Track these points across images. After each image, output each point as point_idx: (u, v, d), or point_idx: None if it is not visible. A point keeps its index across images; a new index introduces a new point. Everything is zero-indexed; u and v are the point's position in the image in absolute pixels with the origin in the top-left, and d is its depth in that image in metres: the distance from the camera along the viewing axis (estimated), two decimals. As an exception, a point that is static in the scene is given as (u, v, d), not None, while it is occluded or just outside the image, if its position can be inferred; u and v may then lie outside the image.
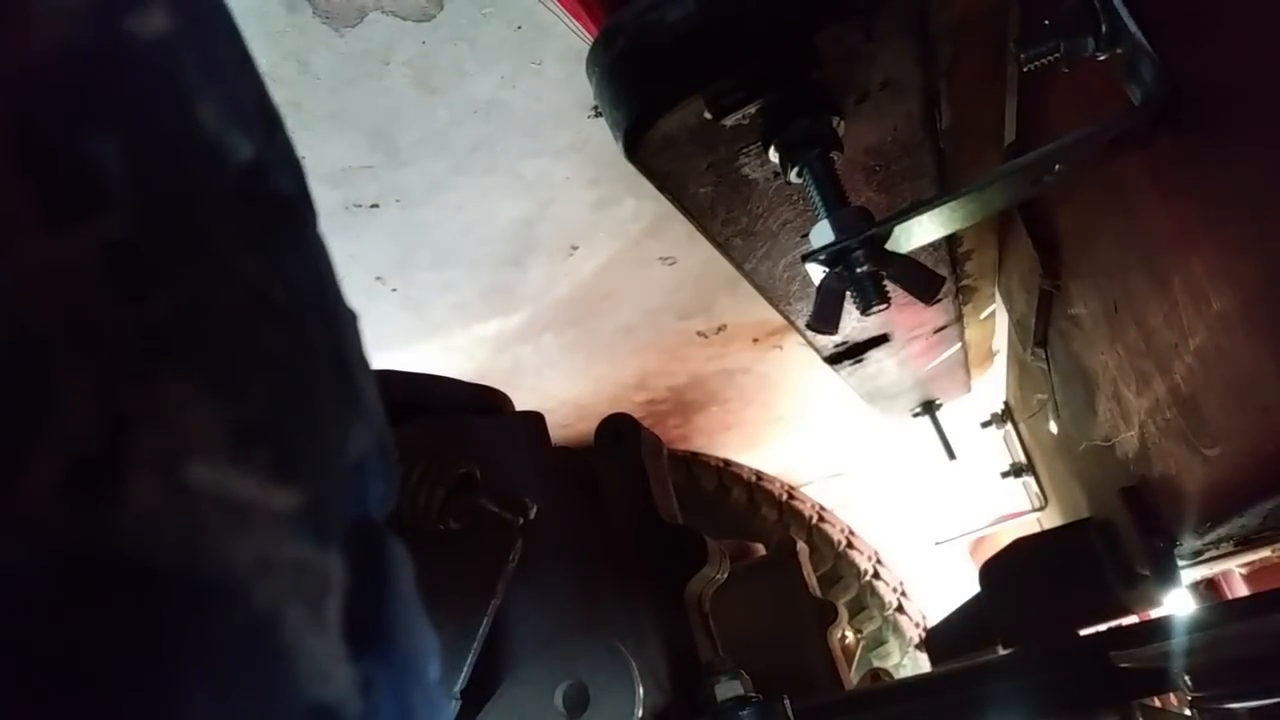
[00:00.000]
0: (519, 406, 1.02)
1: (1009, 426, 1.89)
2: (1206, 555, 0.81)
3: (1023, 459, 1.87)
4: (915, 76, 0.64)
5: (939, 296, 0.79)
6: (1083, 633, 0.98)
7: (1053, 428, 1.31)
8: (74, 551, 0.16)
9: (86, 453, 0.16)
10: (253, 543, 0.18)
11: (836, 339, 1.17)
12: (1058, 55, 0.57)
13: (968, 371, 1.58)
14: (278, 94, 0.24)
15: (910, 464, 2.46)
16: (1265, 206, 0.46)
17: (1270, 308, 0.48)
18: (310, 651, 0.19)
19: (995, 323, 1.56)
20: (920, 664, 2.21)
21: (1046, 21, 0.57)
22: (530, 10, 0.89)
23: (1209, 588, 1.29)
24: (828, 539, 2.33)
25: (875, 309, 0.68)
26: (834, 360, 1.24)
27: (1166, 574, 0.80)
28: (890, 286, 0.68)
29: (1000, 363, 1.82)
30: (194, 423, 0.18)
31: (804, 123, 0.64)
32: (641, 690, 0.75)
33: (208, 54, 0.21)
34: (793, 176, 0.67)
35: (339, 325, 0.24)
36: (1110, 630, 0.98)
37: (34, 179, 0.17)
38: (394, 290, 1.34)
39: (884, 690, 1.22)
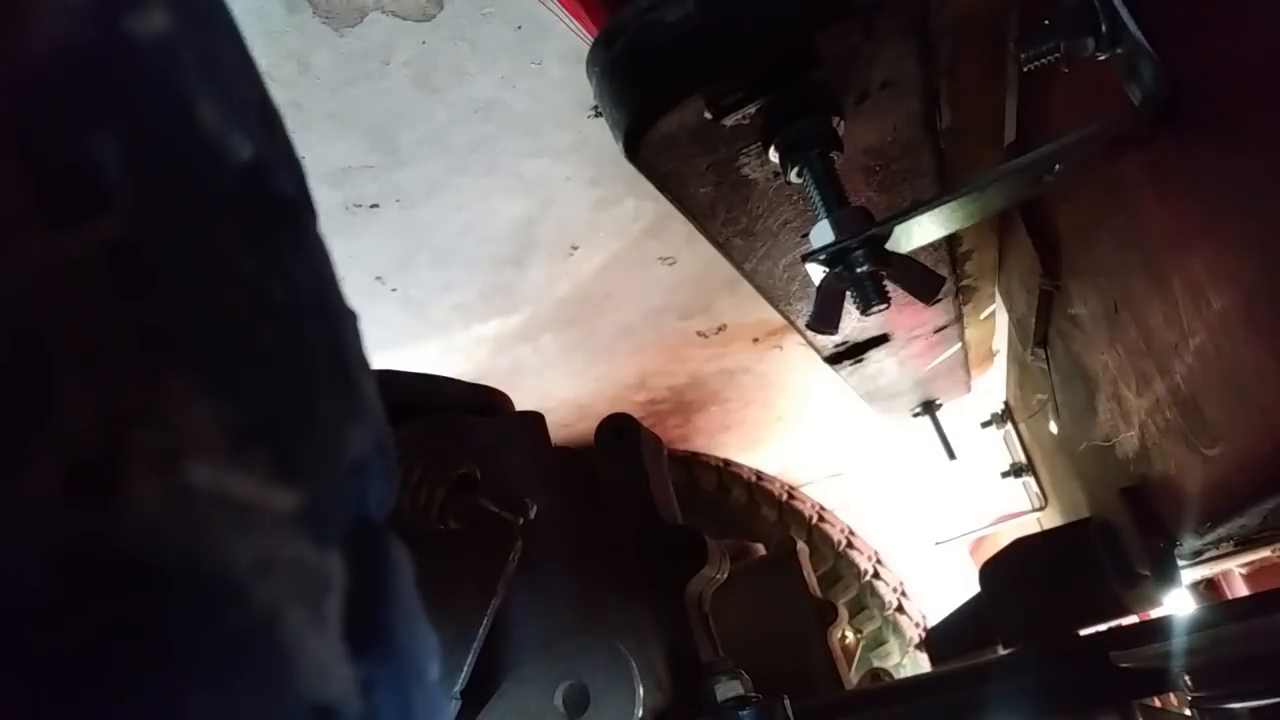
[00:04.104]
0: (519, 406, 1.02)
1: (1009, 426, 1.89)
2: (1206, 555, 0.81)
3: (1023, 459, 1.87)
4: (915, 76, 0.64)
5: (939, 296, 0.79)
6: (1083, 633, 0.98)
7: (1053, 428, 1.31)
8: (74, 551, 0.16)
9: (86, 453, 0.16)
10: (253, 543, 0.18)
11: (836, 339, 1.17)
12: (1058, 55, 0.57)
13: (968, 371, 1.58)
14: (278, 94, 0.24)
15: (910, 464, 2.46)
16: (1265, 207, 0.46)
17: (1270, 308, 0.48)
18: (310, 651, 0.19)
19: (995, 323, 1.57)
20: (920, 664, 2.21)
21: (1046, 21, 0.57)
22: (530, 10, 0.89)
23: (1209, 588, 1.29)
24: (828, 539, 2.33)
25: (875, 309, 0.68)
26: (834, 360, 1.24)
27: (1166, 574, 0.80)
28: (890, 286, 0.68)
29: (1000, 363, 1.82)
30: (194, 422, 0.18)
31: (804, 123, 0.64)
32: (641, 690, 0.75)
33: (208, 54, 0.21)
34: (793, 176, 0.67)
35: (339, 325, 0.24)
36: (1110, 630, 0.98)
37: (33, 178, 0.17)
38: (394, 290, 1.34)
39: (884, 690, 1.22)
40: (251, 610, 0.18)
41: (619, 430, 1.06)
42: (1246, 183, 0.48)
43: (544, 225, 1.28)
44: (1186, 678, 0.73)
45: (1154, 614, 1.04)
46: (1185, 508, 0.72)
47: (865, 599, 2.30)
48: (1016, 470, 1.92)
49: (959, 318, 1.27)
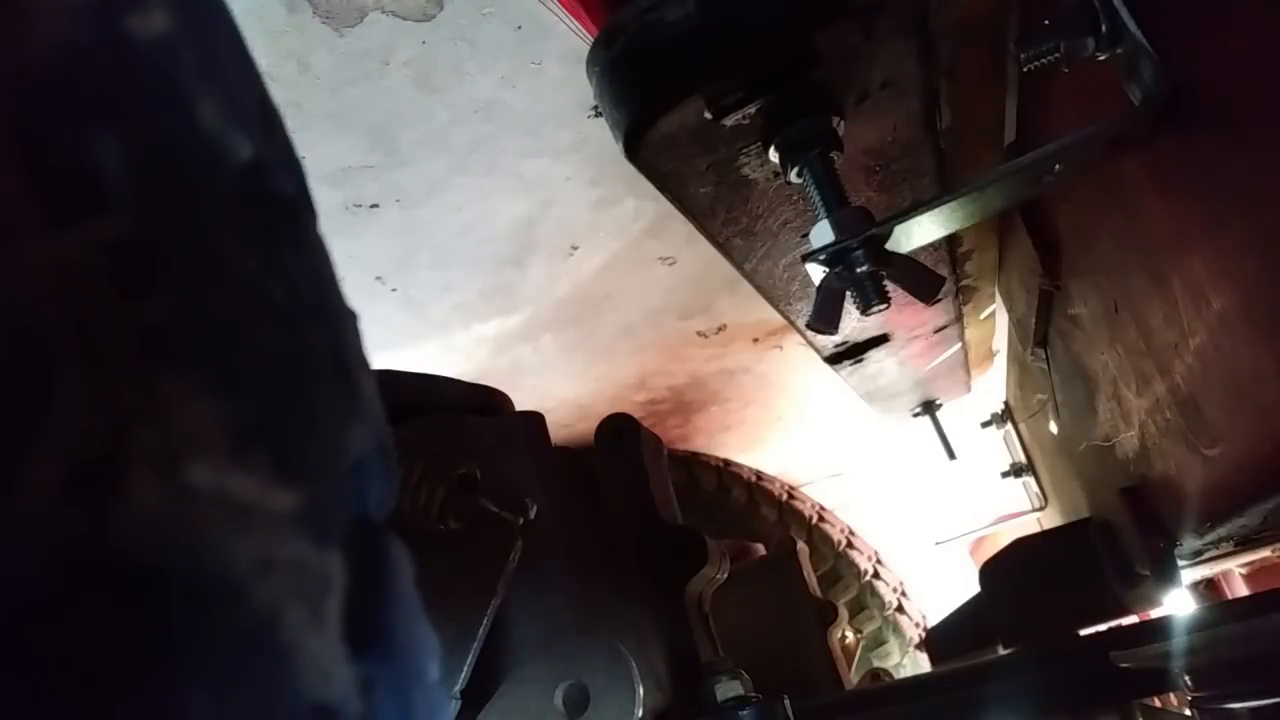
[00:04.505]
0: (519, 406, 1.02)
1: (1009, 426, 1.89)
2: (1206, 555, 0.81)
3: (1023, 459, 1.87)
4: (915, 76, 0.64)
5: (939, 296, 0.79)
6: (1083, 633, 0.98)
7: (1053, 428, 1.31)
8: (74, 551, 0.16)
9: (86, 453, 0.16)
10: (253, 543, 0.18)
11: (836, 339, 1.17)
12: (1058, 55, 0.57)
13: (968, 371, 1.58)
14: (278, 94, 0.24)
15: (910, 464, 2.46)
16: (1265, 206, 0.46)
17: (1270, 308, 0.48)
18: (310, 651, 0.19)
19: (995, 323, 1.56)
20: (920, 664, 2.21)
21: (1046, 21, 0.57)
22: (530, 10, 0.89)
23: (1209, 588, 1.29)
24: (828, 539, 2.33)
25: (875, 309, 0.68)
26: (834, 360, 1.24)
27: (1166, 574, 0.80)
28: (890, 286, 0.68)
29: (1000, 363, 1.82)
30: (194, 423, 0.18)
31: (804, 123, 0.64)
32: (641, 690, 0.75)
33: (208, 54, 0.21)
34: (793, 176, 0.67)
35: (339, 325, 0.24)
36: (1110, 630, 0.98)
37: (34, 179, 0.17)
38: (394, 290, 1.34)
39: (884, 690, 1.22)
40: (251, 610, 0.18)
41: (619, 430, 1.06)
42: (1246, 183, 0.48)
43: (544, 225, 1.28)
44: (1186, 678, 0.73)
45: (1154, 614, 1.04)
46: (1185, 508, 0.72)
47: (865, 599, 2.30)
48: (1016, 470, 1.92)
49: (959, 318, 1.27)
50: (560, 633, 0.83)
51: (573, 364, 1.74)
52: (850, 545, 2.36)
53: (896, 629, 2.28)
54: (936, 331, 1.26)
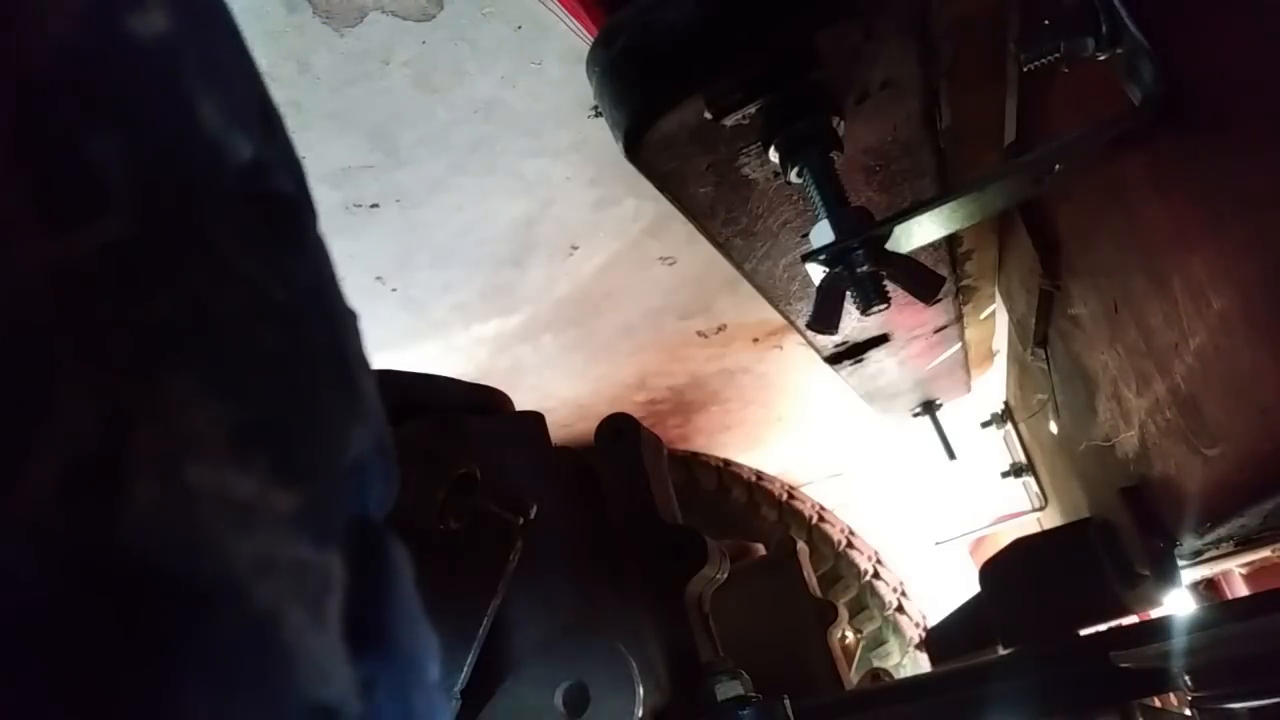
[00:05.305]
0: (519, 406, 1.02)
1: (1009, 426, 1.89)
2: (1206, 555, 0.81)
3: (1023, 459, 1.87)
4: (915, 76, 0.64)
5: (939, 296, 0.79)
6: (1083, 633, 0.98)
7: (1053, 428, 1.31)
8: (73, 551, 0.16)
9: (86, 453, 0.16)
10: (253, 543, 0.18)
11: (836, 339, 1.17)
12: (1058, 55, 0.57)
13: (968, 371, 1.58)
14: (278, 94, 0.24)
15: (910, 464, 2.46)
16: (1265, 206, 0.46)
17: (1270, 308, 0.48)
18: (310, 652, 0.19)
19: (995, 323, 1.57)
20: (920, 664, 2.21)
21: (1046, 21, 0.57)
22: (530, 10, 0.89)
23: (1209, 588, 1.29)
24: (828, 539, 2.33)
25: (875, 309, 0.68)
26: (834, 360, 1.24)
27: (1166, 574, 0.80)
28: (890, 286, 0.68)
29: (1000, 363, 1.82)
30: (194, 423, 0.18)
31: (804, 123, 0.64)
32: (642, 690, 0.75)
33: (208, 54, 0.21)
34: (793, 176, 0.67)
35: (339, 325, 0.24)
36: (1110, 630, 0.98)
37: (34, 179, 0.17)
38: (394, 290, 1.34)
39: (884, 690, 1.22)
40: (251, 610, 0.18)
41: (619, 430, 1.06)
42: (1246, 182, 0.48)
43: (544, 225, 1.28)
44: (1186, 678, 0.73)
45: (1154, 614, 1.04)
46: (1185, 508, 0.72)
47: (865, 599, 2.30)
48: (1016, 470, 1.92)
49: (959, 318, 1.27)
50: (560, 633, 0.83)
51: (573, 364, 1.74)
52: (850, 545, 2.36)
53: (896, 629, 2.28)
54: (936, 331, 1.26)
